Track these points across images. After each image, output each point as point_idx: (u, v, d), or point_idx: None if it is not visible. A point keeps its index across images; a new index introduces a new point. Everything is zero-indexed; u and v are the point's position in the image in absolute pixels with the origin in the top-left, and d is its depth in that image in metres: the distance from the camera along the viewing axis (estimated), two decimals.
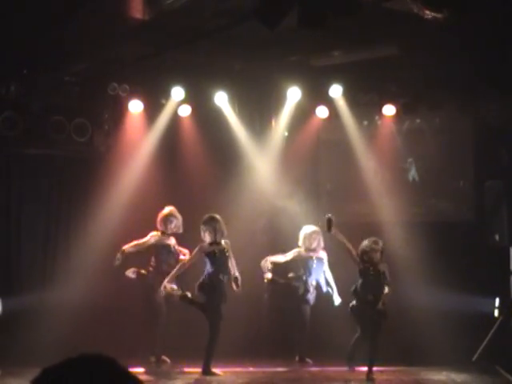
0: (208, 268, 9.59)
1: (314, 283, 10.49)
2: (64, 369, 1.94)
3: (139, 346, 10.25)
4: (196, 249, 9.68)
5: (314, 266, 10.51)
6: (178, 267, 9.73)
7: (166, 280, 9.61)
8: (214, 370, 9.57)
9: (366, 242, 9.65)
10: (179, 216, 10.41)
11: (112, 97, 11.26)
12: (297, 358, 10.48)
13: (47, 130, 10.92)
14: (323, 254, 10.56)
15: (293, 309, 10.64)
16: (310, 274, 10.49)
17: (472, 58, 10.04)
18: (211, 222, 9.65)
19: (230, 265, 9.68)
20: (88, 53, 10.25)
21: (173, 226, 10.36)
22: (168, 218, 10.34)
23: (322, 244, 10.53)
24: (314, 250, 10.51)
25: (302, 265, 10.56)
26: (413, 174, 11.93)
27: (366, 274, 9.62)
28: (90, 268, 10.85)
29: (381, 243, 9.66)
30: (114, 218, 10.89)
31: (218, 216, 9.72)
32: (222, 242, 9.66)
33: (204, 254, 9.62)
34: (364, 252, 9.61)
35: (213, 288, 9.51)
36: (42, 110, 10.95)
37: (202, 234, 9.64)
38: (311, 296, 10.50)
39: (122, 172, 11.19)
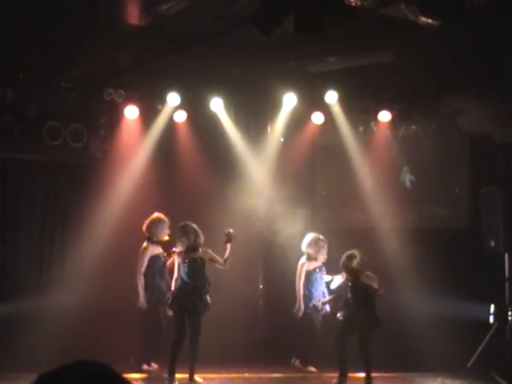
0: (181, 276, 9.57)
1: (323, 293, 10.38)
2: (59, 375, 1.95)
3: (134, 351, 10.25)
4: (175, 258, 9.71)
5: (318, 278, 10.38)
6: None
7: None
8: (196, 376, 9.56)
9: (342, 257, 9.62)
10: (167, 222, 10.35)
11: (108, 102, 11.28)
12: (297, 363, 10.37)
13: (43, 135, 10.93)
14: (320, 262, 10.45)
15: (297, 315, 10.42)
16: (316, 288, 10.35)
17: (468, 65, 10.07)
18: (185, 229, 9.63)
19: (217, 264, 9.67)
20: (84, 59, 10.26)
21: (164, 232, 10.31)
22: (159, 225, 10.26)
23: (325, 255, 10.39)
24: (315, 259, 10.37)
25: (306, 281, 10.38)
26: (408, 179, 11.93)
27: (348, 288, 9.61)
28: (86, 273, 10.84)
29: (358, 255, 9.54)
30: (110, 224, 10.88)
31: (191, 224, 9.68)
32: (200, 250, 9.65)
33: (179, 261, 9.62)
34: (342, 267, 9.60)
35: (185, 297, 9.48)
36: (38, 116, 10.97)
37: (178, 241, 9.65)
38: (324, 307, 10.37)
39: (118, 177, 11.19)
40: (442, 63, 10.12)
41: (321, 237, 10.43)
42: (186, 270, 9.49)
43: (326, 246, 10.38)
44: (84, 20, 8.92)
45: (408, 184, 11.95)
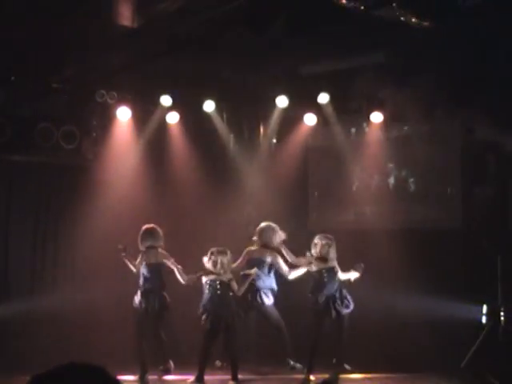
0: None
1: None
2: (53, 376, 1.94)
3: (128, 353, 10.22)
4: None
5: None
6: None
7: None
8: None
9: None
10: None
11: (100, 104, 11.24)
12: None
13: (35, 137, 10.91)
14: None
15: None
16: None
17: (459, 66, 10.10)
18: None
19: None
20: (76, 60, 10.25)
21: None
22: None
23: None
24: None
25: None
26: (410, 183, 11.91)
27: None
28: (79, 275, 10.82)
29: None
30: (102, 225, 10.86)
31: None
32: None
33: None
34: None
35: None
36: (30, 117, 10.96)
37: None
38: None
39: (110, 179, 11.17)
40: (433, 64, 10.15)
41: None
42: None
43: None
44: (76, 21, 8.92)
45: (412, 187, 11.89)
